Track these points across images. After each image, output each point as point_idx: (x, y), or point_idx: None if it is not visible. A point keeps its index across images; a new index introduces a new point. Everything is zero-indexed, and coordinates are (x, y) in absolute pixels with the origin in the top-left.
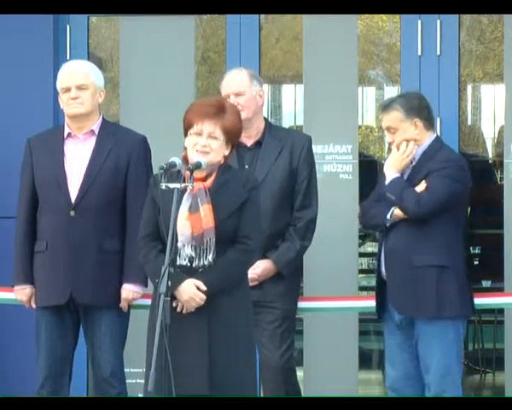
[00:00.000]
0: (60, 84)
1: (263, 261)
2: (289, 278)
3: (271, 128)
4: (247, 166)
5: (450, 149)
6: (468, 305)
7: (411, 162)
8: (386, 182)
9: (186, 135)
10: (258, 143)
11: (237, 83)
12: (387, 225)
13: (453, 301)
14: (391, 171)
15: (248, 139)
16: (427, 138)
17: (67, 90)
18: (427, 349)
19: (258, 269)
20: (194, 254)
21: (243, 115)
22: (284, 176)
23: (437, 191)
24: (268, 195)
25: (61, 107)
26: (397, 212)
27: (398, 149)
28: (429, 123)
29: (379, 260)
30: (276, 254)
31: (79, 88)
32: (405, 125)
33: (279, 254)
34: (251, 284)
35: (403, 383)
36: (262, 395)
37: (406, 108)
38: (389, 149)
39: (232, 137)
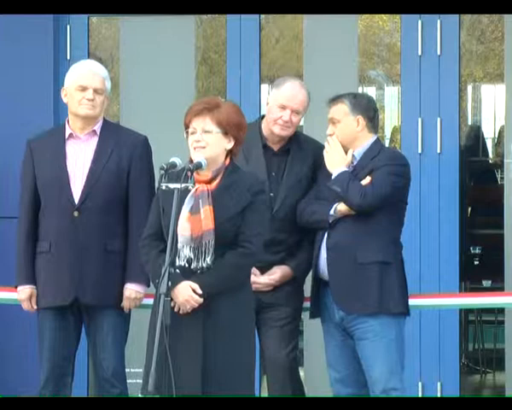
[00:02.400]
0: (77, 81)
1: (280, 267)
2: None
3: (296, 134)
4: (273, 174)
5: (391, 148)
6: (407, 303)
7: (352, 162)
8: (333, 176)
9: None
10: (285, 149)
11: (301, 102)
12: (330, 221)
13: (396, 298)
14: (337, 166)
15: (275, 145)
16: (368, 139)
17: (84, 89)
18: (370, 347)
19: (276, 275)
20: (192, 256)
21: (288, 132)
22: (308, 186)
23: (381, 185)
24: (293, 205)
25: (66, 102)
26: (340, 207)
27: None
28: (372, 125)
29: (317, 258)
30: (295, 262)
31: (97, 91)
32: (348, 120)
33: (298, 262)
34: (266, 289)
35: (345, 384)
36: (266, 395)
37: (353, 103)
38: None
39: (230, 129)
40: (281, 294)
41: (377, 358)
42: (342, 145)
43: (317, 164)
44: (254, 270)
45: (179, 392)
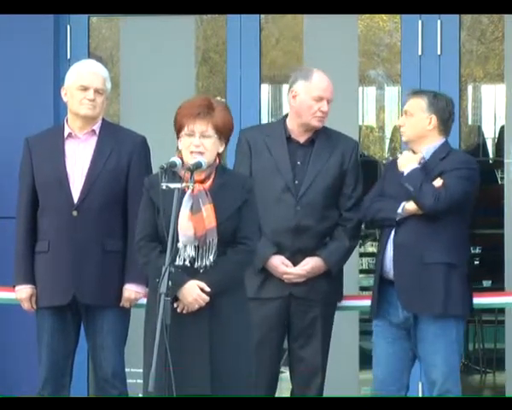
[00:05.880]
0: (78, 81)
1: (313, 259)
2: (334, 278)
3: (324, 126)
4: (299, 163)
5: (461, 151)
6: (468, 305)
7: (423, 158)
8: (406, 172)
9: (178, 137)
10: (310, 141)
11: (332, 90)
12: (397, 219)
13: (458, 300)
14: (409, 162)
15: (301, 137)
16: (437, 141)
17: (86, 89)
18: (432, 348)
19: (308, 266)
20: (195, 255)
21: (323, 123)
22: (335, 176)
23: (454, 189)
24: (320, 192)
25: (66, 101)
26: (408, 206)
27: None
28: (445, 128)
29: (382, 257)
30: (326, 252)
31: (98, 91)
32: (421, 116)
33: (329, 252)
34: (298, 280)
35: (388, 382)
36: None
37: (431, 102)
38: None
39: (225, 133)
40: (314, 289)
41: (437, 359)
42: (409, 140)
43: (346, 158)
44: (286, 261)
45: (188, 392)
